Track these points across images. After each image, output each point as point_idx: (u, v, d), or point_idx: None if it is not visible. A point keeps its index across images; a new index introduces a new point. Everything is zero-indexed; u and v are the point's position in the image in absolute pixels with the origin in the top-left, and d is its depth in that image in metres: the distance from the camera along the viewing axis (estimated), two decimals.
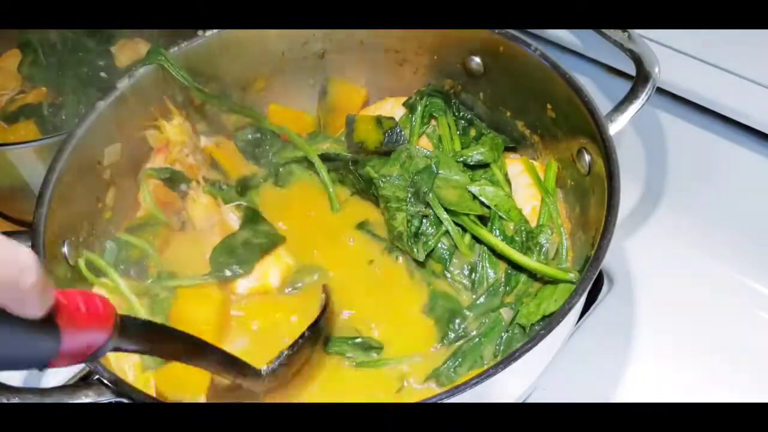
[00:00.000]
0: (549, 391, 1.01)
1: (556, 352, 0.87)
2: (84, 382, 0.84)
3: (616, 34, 0.99)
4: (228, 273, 1.01)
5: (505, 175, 1.07)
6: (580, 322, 1.08)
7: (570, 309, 0.77)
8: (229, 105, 1.15)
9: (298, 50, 1.17)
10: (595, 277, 0.79)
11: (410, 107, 1.15)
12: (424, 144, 1.12)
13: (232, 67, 1.14)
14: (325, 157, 1.13)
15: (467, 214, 1.01)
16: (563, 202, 1.04)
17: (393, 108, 1.17)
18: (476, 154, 1.07)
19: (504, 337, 0.94)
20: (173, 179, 1.08)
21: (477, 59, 1.10)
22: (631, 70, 0.96)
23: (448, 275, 1.02)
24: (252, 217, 1.08)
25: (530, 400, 1.00)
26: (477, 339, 0.95)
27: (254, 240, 1.04)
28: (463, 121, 1.14)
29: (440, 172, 1.04)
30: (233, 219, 1.07)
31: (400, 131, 1.10)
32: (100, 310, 0.61)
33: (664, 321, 1.08)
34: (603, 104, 0.97)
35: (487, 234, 0.99)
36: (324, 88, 1.20)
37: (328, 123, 1.21)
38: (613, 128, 0.91)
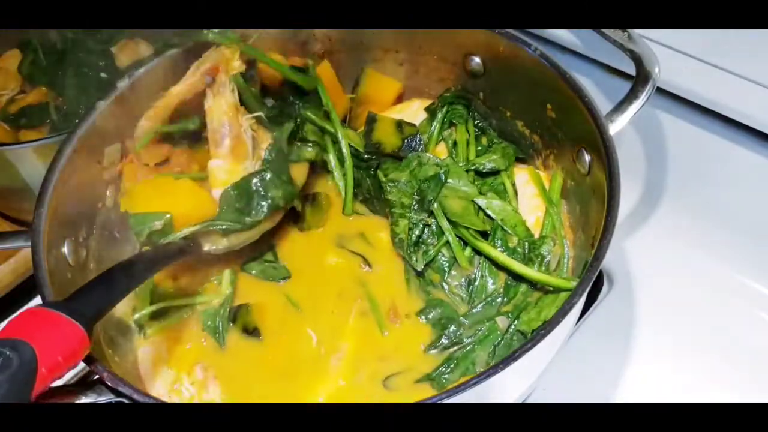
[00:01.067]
0: (549, 391, 1.01)
1: (556, 352, 0.87)
2: (84, 382, 0.84)
3: (616, 34, 0.99)
4: (233, 226, 0.97)
5: (513, 185, 1.07)
6: (580, 322, 1.08)
7: (569, 309, 0.77)
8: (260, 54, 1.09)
9: (298, 50, 1.17)
10: (594, 277, 0.79)
11: (431, 113, 1.15)
12: (441, 150, 1.12)
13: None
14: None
15: (468, 228, 1.01)
16: (566, 213, 1.04)
17: (418, 110, 1.17)
18: (489, 162, 1.07)
19: (499, 343, 0.94)
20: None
21: (477, 59, 1.10)
22: (631, 70, 0.96)
23: (446, 286, 1.02)
24: (277, 158, 1.01)
25: (530, 400, 1.00)
26: (470, 346, 0.95)
27: (272, 190, 0.98)
28: (476, 130, 1.14)
29: (449, 181, 1.04)
30: (249, 136, 0.99)
31: (420, 140, 1.10)
32: (77, 351, 0.68)
33: (664, 321, 1.08)
34: (603, 104, 0.97)
35: (488, 247, 0.99)
36: (357, 79, 1.20)
37: (357, 115, 1.20)
38: (613, 128, 0.91)
